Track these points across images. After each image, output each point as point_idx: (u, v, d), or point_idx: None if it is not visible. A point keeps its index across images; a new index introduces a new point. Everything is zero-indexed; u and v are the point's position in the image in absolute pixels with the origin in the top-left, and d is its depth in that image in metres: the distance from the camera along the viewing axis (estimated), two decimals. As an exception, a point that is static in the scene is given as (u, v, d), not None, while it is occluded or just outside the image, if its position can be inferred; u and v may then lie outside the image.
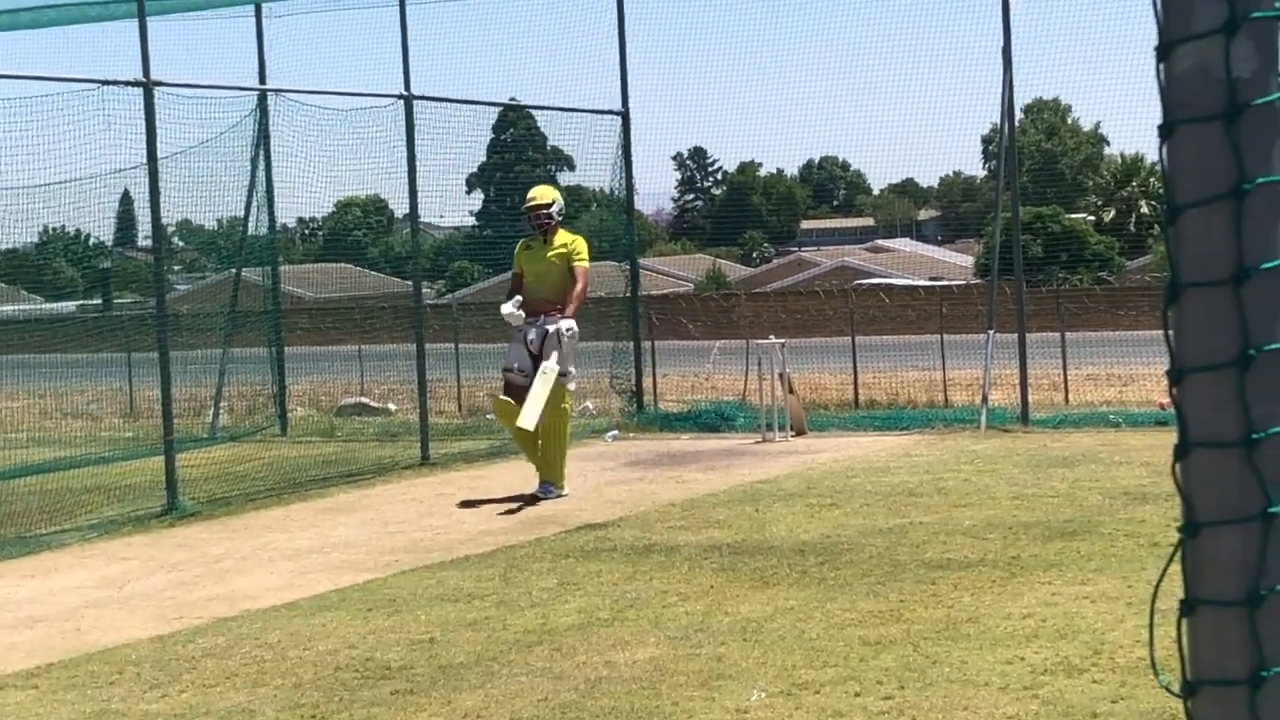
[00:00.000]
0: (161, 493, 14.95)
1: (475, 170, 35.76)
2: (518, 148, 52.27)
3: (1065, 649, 8.22)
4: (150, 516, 14.59)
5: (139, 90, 14.91)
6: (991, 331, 19.23)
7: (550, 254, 14.97)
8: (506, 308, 14.84)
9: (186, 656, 9.04)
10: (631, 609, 9.73)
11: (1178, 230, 1.84)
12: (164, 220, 15.78)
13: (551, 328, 14.74)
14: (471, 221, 44.16)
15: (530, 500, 14.74)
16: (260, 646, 9.19)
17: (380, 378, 28.16)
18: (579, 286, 14.98)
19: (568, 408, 15.12)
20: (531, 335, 14.85)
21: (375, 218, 63.12)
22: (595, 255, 20.24)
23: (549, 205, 15.07)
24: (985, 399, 19.11)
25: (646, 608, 9.75)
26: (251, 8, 21.98)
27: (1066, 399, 23.15)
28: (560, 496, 14.82)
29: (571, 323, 14.86)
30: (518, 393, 14.80)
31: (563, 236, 15.11)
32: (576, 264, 14.97)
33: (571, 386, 15.23)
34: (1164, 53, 1.81)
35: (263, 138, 19.73)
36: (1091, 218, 60.24)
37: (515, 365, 14.96)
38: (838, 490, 14.33)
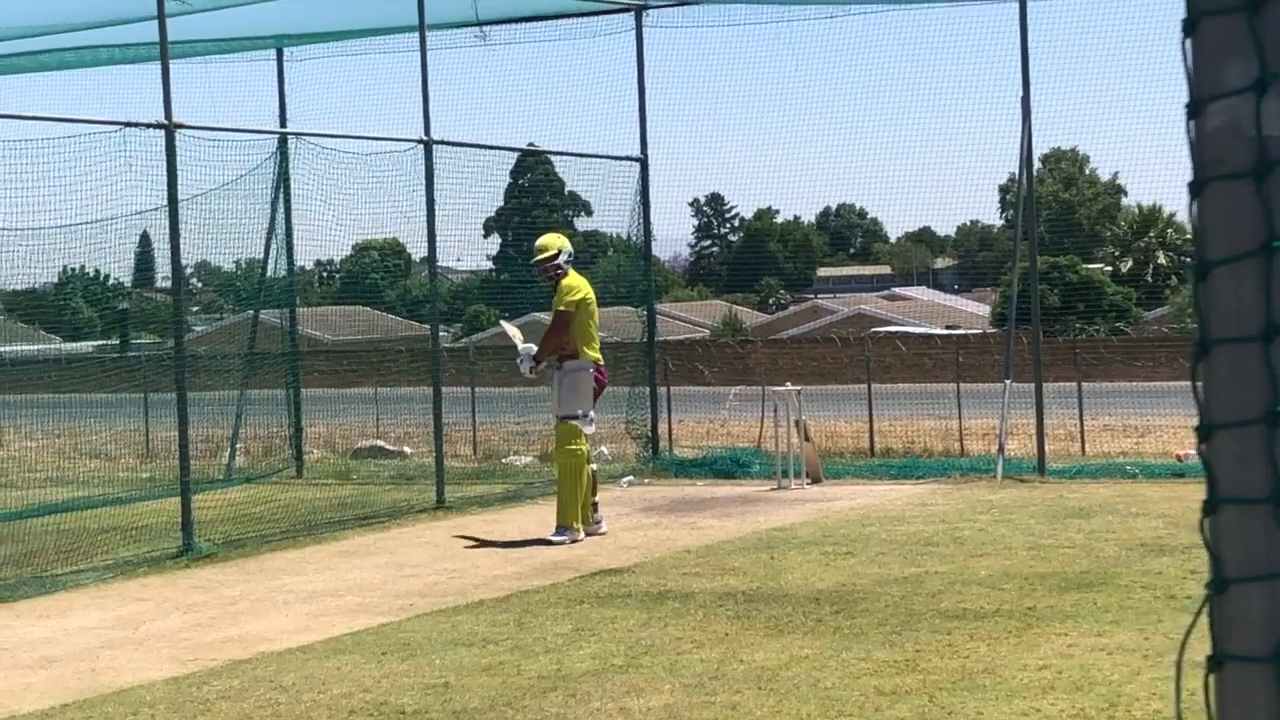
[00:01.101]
0: (177, 534, 14.95)
1: (493, 215, 35.88)
2: (535, 192, 52.44)
3: (1081, 701, 8.19)
4: (166, 558, 14.59)
5: (160, 132, 14.97)
6: (1009, 381, 19.20)
7: (558, 305, 15.17)
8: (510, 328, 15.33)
9: (201, 699, 9.03)
10: (646, 655, 9.71)
11: (1207, 287, 1.84)
12: (183, 262, 15.83)
13: (568, 374, 15.05)
14: (488, 265, 44.28)
15: (544, 543, 14.80)
16: (275, 689, 9.18)
17: (396, 420, 28.17)
18: (555, 333, 15.08)
19: (581, 449, 15.10)
20: (555, 381, 15.21)
21: (393, 261, 63.24)
22: (612, 300, 20.26)
23: (555, 256, 15.15)
24: (1002, 449, 19.07)
25: (661, 654, 9.73)
26: (273, 51, 22.10)
27: (1083, 449, 23.09)
28: (575, 541, 14.82)
29: (580, 366, 15.06)
30: None
31: (565, 281, 15.16)
32: (560, 310, 15.07)
33: (589, 430, 15.27)
34: (1194, 110, 1.82)
35: (283, 180, 19.79)
36: (1109, 268, 60.23)
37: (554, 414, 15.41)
38: (853, 539, 14.31)
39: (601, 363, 15.40)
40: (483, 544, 14.99)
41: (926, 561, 12.85)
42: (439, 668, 9.59)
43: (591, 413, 15.20)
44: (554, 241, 15.33)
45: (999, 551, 13.25)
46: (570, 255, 15.31)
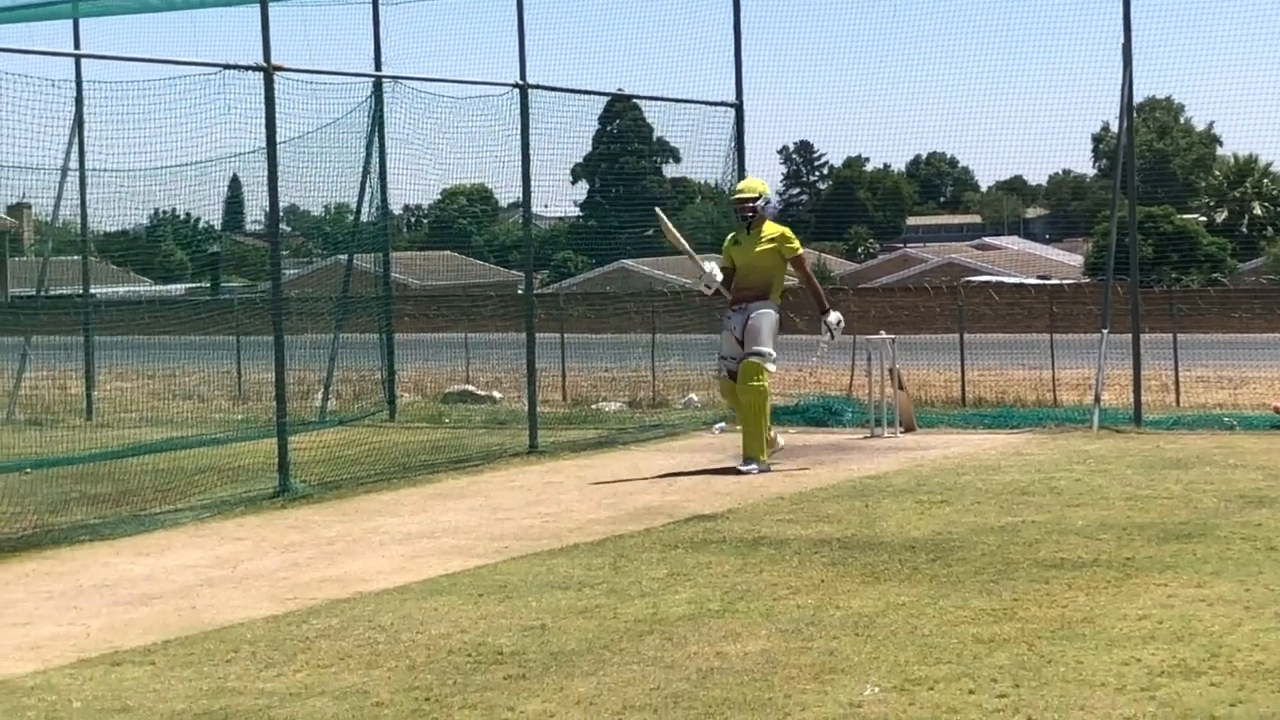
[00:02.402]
0: (273, 474, 15.05)
1: (580, 161, 35.83)
2: (624, 139, 52.28)
3: (1182, 651, 8.14)
4: (262, 498, 14.70)
5: (259, 75, 15.00)
6: (1105, 331, 19.05)
7: (758, 247, 16.01)
8: (709, 266, 16.15)
9: (301, 637, 9.10)
10: (742, 601, 9.72)
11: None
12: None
13: (754, 313, 15.89)
14: (576, 212, 44.27)
15: (732, 472, 15.61)
16: (373, 629, 9.24)
17: (484, 365, 28.27)
18: (813, 280, 16.42)
19: (766, 386, 15.94)
20: (735, 323, 15.90)
21: (480, 206, 63.34)
22: (701, 248, 20.48)
23: (756, 199, 16.19)
24: (1098, 399, 18.93)
25: (757, 600, 9.73)
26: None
27: (1178, 401, 22.90)
28: (764, 470, 15.58)
29: (769, 308, 15.95)
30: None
31: (769, 229, 16.16)
32: (797, 254, 16.06)
33: (771, 368, 16.03)
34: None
35: (377, 125, 19.80)
36: (1203, 219, 59.62)
37: (729, 355, 16.14)
38: (948, 487, 14.25)
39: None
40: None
41: (1023, 511, 12.79)
42: (535, 610, 9.63)
43: (773, 352, 15.99)
44: (760, 185, 16.50)
45: (1096, 501, 13.17)
46: (767, 204, 16.34)
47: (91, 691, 8.02)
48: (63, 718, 7.55)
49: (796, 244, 16.13)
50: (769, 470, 15.66)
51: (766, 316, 15.92)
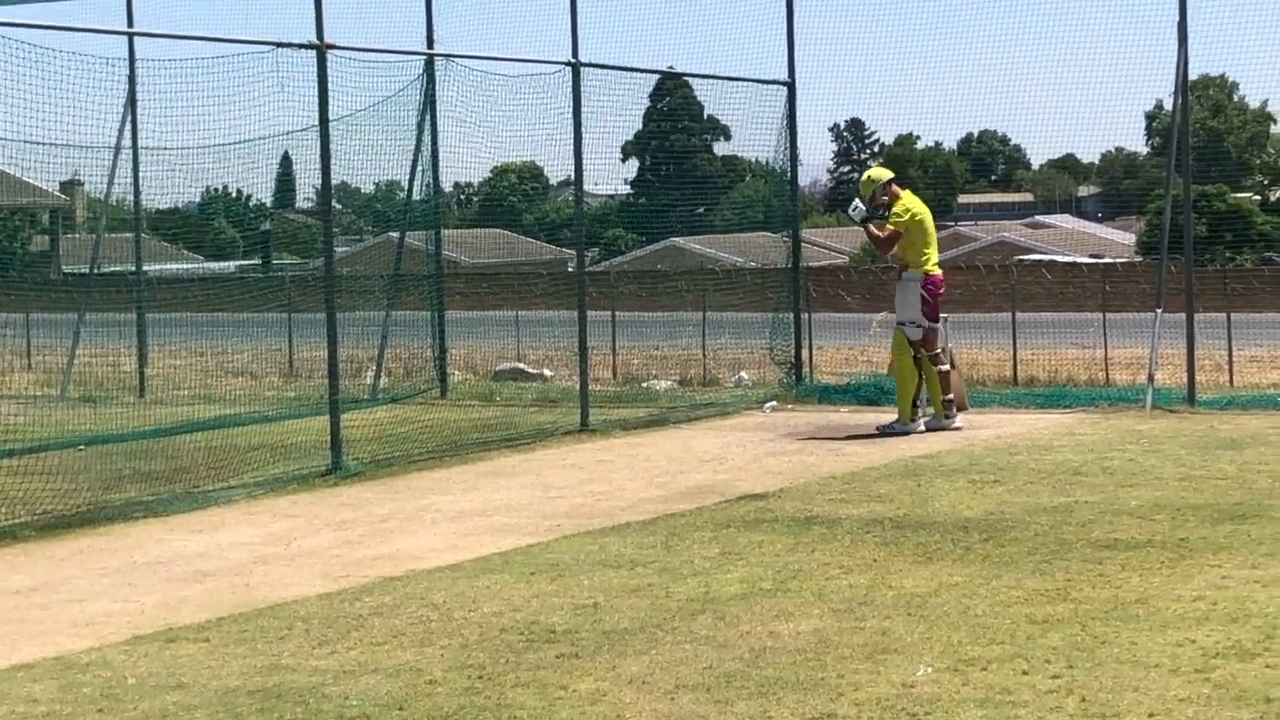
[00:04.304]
0: (325, 452, 15.08)
1: (631, 138, 35.76)
2: (674, 117, 52.20)
3: (1237, 633, 8.10)
4: (315, 475, 14.73)
5: (311, 53, 14.99)
6: (1159, 310, 18.94)
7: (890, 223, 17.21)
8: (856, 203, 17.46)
9: (354, 614, 9.14)
10: (794, 580, 9.71)
11: None
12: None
13: (900, 285, 17.25)
14: (626, 190, 44.19)
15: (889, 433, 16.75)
16: (426, 606, 9.27)
17: (535, 343, 28.26)
18: (876, 237, 17.28)
19: (909, 352, 17.07)
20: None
21: (531, 184, 63.32)
22: (753, 226, 20.44)
23: (871, 194, 17.28)
24: (1151, 378, 18.82)
25: (809, 579, 9.72)
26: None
27: (1231, 381, 22.75)
28: (903, 432, 16.73)
29: (909, 278, 17.11)
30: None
31: (898, 204, 17.18)
32: (887, 228, 17.09)
33: (915, 336, 17.06)
34: None
35: (429, 103, 19.80)
36: (1257, 197, 59.23)
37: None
38: (1000, 467, 14.20)
39: (933, 274, 17.22)
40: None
41: (1076, 491, 12.73)
42: (588, 588, 9.64)
43: (920, 320, 17.01)
44: (866, 181, 17.67)
45: (1150, 482, 13.10)
46: (882, 187, 17.25)
47: (146, 668, 8.08)
48: (118, 694, 7.59)
49: (893, 218, 17.03)
50: (907, 433, 16.67)
51: (906, 286, 17.14)
